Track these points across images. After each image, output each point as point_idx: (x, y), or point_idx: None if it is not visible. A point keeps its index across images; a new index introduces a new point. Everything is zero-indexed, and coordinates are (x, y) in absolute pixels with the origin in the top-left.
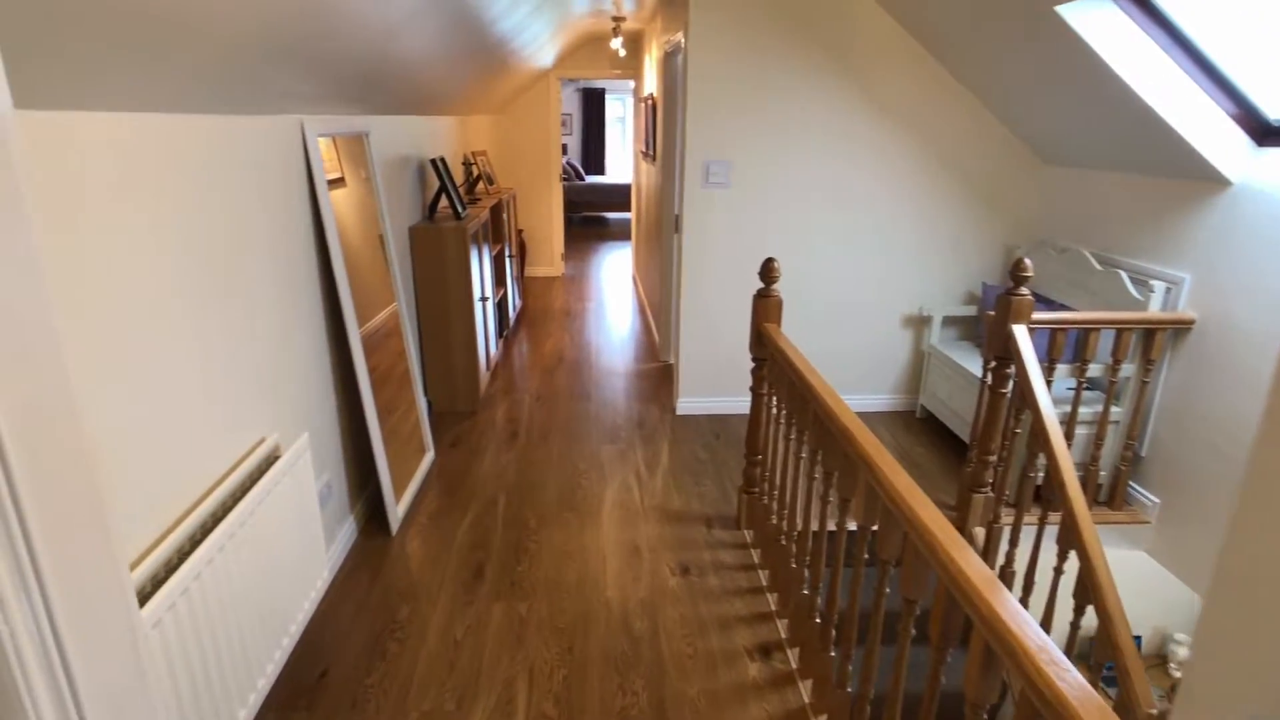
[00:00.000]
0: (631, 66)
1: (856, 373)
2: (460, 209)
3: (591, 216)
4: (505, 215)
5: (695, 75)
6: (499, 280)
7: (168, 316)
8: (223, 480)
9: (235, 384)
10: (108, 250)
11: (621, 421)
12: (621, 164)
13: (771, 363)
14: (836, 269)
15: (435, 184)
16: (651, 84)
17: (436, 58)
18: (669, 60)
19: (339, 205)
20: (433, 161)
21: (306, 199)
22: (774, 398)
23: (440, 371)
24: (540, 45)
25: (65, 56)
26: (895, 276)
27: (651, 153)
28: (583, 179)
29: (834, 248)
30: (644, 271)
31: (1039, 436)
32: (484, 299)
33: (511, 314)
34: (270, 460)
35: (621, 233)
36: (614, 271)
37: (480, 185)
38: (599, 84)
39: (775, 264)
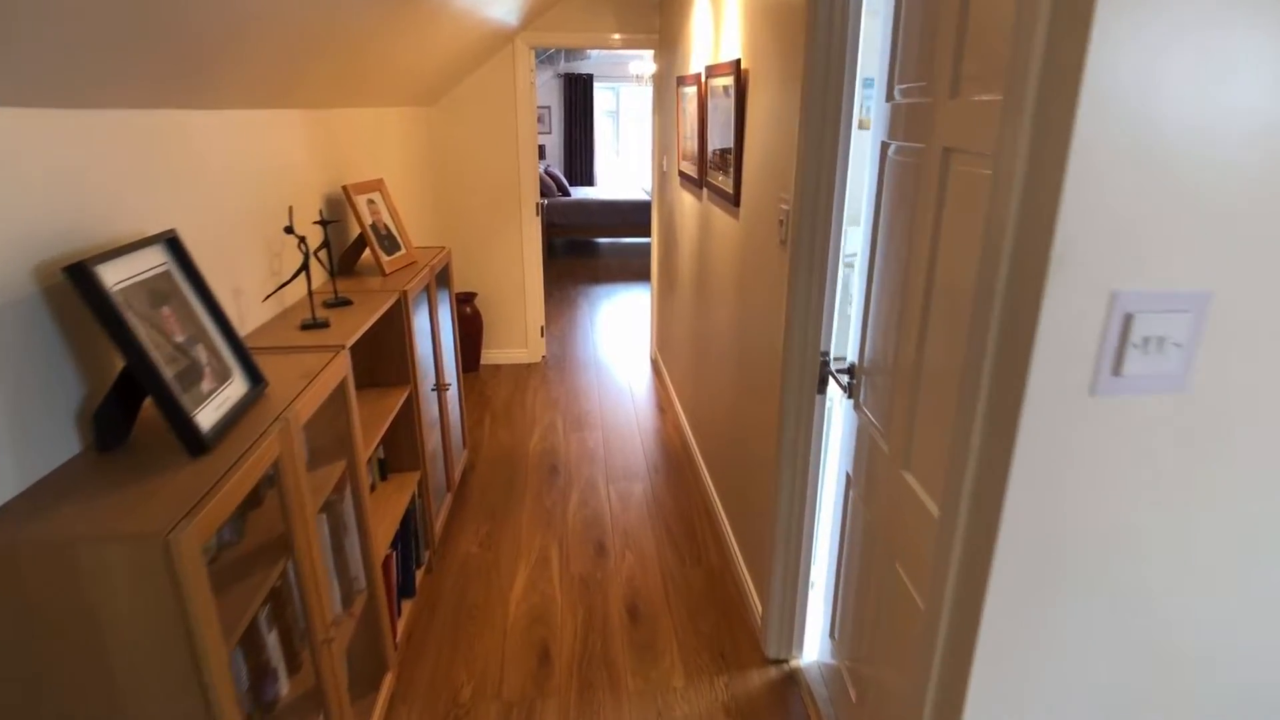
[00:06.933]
0: (641, 26)
1: None
2: (202, 435)
3: (578, 241)
4: (409, 324)
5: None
6: (397, 465)
7: None
8: None
9: None
10: None
11: None
12: (615, 172)
13: None
14: None
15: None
16: (716, 48)
17: None
18: None
19: None
20: (79, 270)
21: None
22: None
23: None
24: None
25: None
26: None
27: (728, 187)
28: (567, 193)
29: None
30: (681, 373)
31: None
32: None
33: (440, 498)
34: None
35: (620, 267)
36: (621, 343)
37: (367, 255)
38: (584, 68)
39: None
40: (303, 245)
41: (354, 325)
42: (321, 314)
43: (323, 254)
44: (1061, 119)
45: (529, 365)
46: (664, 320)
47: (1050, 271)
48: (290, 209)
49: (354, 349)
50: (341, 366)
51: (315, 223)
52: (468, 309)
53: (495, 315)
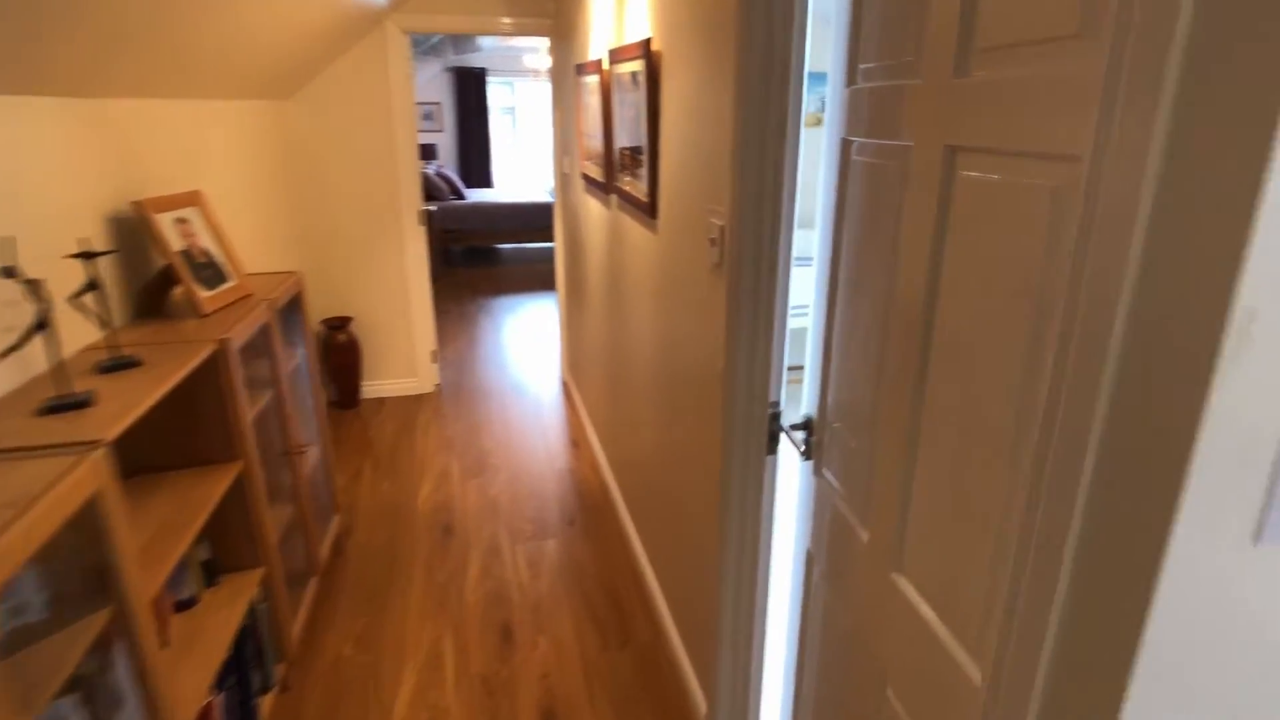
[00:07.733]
0: (534, 9)
1: None
2: None
3: (477, 249)
4: (233, 382)
5: None
6: (233, 563)
7: None
8: None
9: None
10: None
11: None
12: (515, 172)
13: None
14: None
15: None
16: (620, 28)
17: None
18: None
19: None
20: None
21: None
22: None
23: None
24: None
25: None
26: None
27: (641, 195)
28: (461, 196)
29: None
30: (596, 402)
31: None
32: None
33: (300, 588)
34: None
35: (525, 274)
36: (527, 365)
37: (181, 293)
38: (476, 61)
39: None
40: (38, 291)
41: (132, 400)
42: (85, 384)
43: (94, 297)
44: (1249, 125)
45: (419, 396)
46: (574, 338)
47: (1222, 362)
48: (10, 240)
49: (161, 419)
50: (92, 476)
51: (74, 255)
52: (341, 336)
53: (376, 341)
